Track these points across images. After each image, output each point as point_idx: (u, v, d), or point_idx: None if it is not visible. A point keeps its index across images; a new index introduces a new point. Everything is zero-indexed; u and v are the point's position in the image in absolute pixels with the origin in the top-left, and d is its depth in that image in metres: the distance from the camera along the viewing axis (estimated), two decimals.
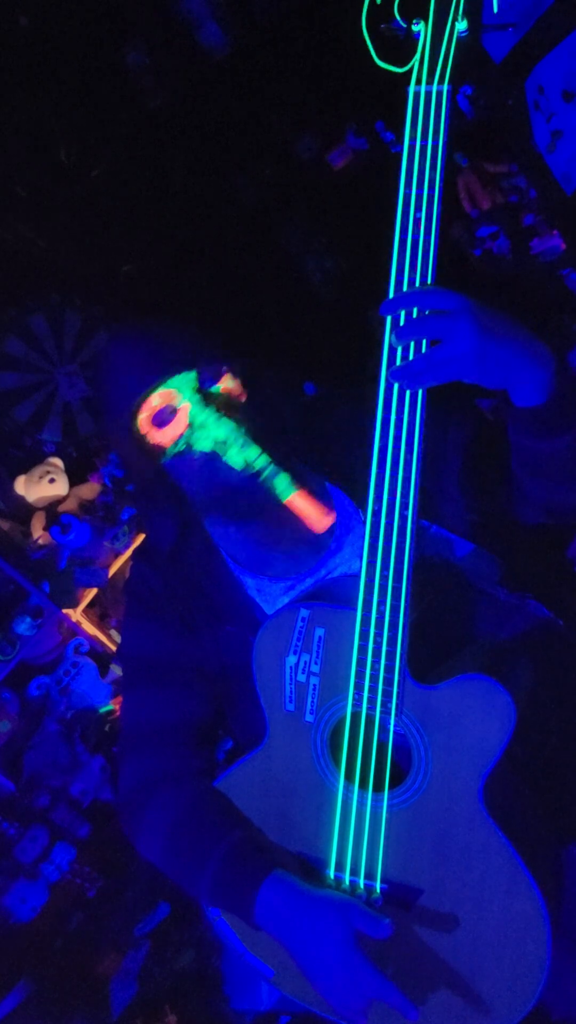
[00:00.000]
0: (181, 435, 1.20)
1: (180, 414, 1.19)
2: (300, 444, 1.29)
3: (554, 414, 1.05)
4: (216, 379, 1.20)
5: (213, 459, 1.20)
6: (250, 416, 1.21)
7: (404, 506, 1.07)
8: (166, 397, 1.19)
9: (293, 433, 1.28)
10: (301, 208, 3.42)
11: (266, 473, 1.21)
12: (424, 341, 1.01)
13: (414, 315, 1.01)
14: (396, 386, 1.05)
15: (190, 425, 1.19)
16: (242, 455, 1.19)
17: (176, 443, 1.20)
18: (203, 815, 1.29)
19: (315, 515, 1.26)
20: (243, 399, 1.22)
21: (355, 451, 1.26)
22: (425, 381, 1.01)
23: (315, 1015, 1.31)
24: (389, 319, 1.02)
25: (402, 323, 1.01)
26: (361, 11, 1.05)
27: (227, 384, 1.21)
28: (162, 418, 1.20)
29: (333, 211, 3.38)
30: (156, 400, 1.19)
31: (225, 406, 1.20)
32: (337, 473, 1.31)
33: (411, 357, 1.02)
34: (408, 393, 1.04)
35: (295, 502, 1.24)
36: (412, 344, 1.02)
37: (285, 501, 1.24)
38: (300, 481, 1.24)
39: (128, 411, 1.20)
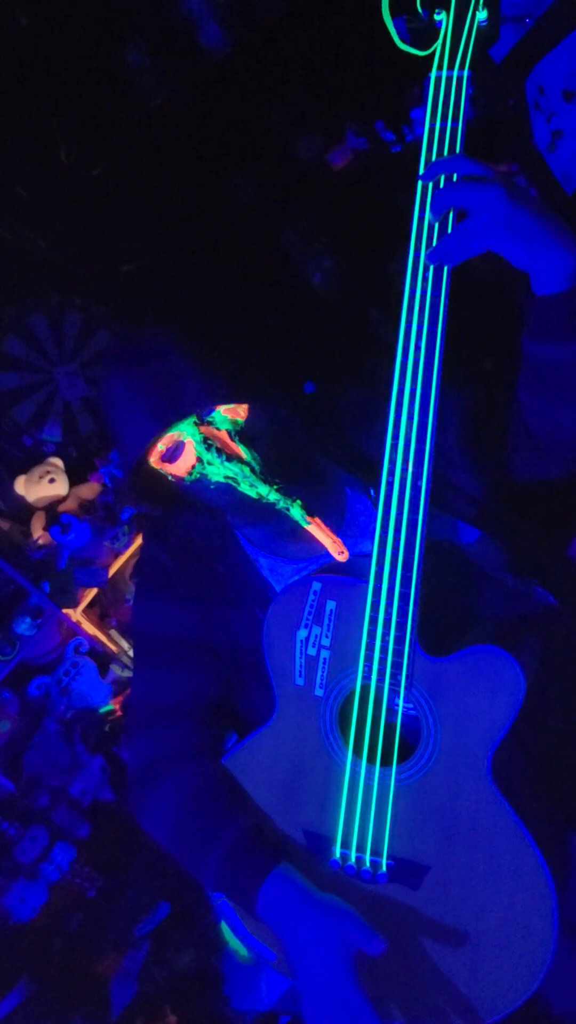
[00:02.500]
0: (194, 466, 1.23)
1: (188, 447, 1.22)
2: (309, 437, 1.31)
3: (571, 309, 1.06)
4: (213, 408, 1.22)
5: (229, 487, 1.23)
6: (254, 444, 1.23)
7: (418, 476, 1.10)
8: (170, 439, 1.22)
9: (302, 434, 1.29)
10: (301, 208, 3.42)
11: (279, 506, 1.23)
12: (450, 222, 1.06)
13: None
14: (411, 356, 1.07)
15: (200, 460, 1.22)
16: (253, 490, 1.22)
17: (191, 473, 1.23)
18: (213, 798, 1.30)
19: (332, 547, 1.29)
20: (244, 417, 1.24)
21: (366, 435, 1.28)
22: (458, 256, 1.04)
23: None
24: (413, 236, 1.07)
25: (441, 185, 1.05)
26: (381, 3, 1.10)
27: (225, 407, 1.23)
28: (171, 455, 1.23)
29: (333, 211, 3.37)
30: (161, 445, 1.23)
31: (226, 444, 1.22)
32: (350, 459, 1.33)
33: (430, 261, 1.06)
34: (423, 361, 1.07)
35: (311, 531, 1.27)
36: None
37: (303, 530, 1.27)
38: (314, 508, 1.26)
39: (137, 459, 1.23)
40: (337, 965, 1.13)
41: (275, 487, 1.22)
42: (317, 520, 1.26)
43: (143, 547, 1.45)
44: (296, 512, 1.24)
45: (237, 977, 2.34)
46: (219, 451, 1.21)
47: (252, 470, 1.21)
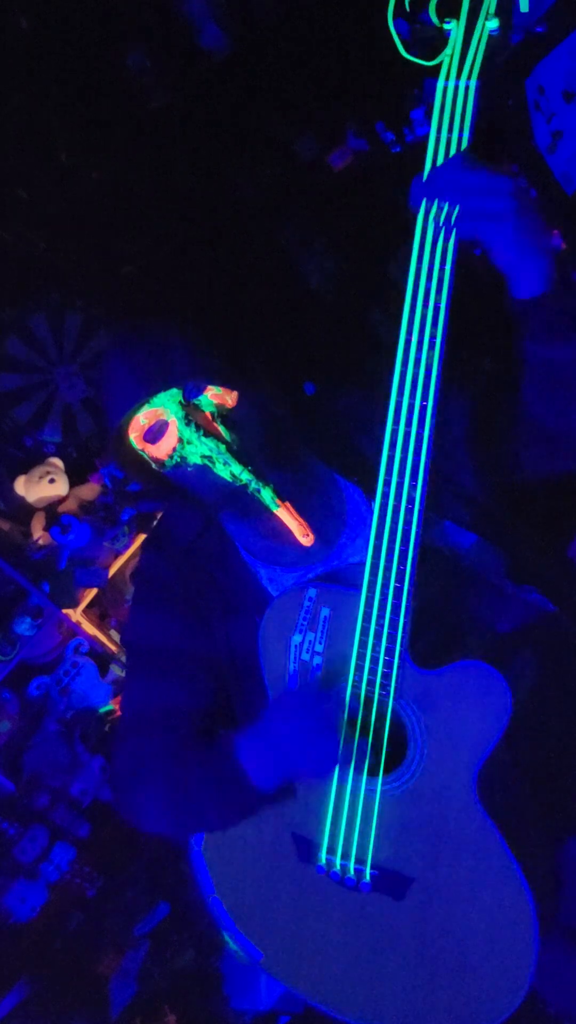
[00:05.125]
0: (175, 448, 1.23)
1: (171, 427, 1.23)
2: (305, 440, 1.31)
3: (554, 311, 1.08)
4: (201, 390, 1.23)
5: (206, 469, 1.23)
6: (236, 428, 1.23)
7: (413, 487, 1.10)
8: (153, 415, 1.22)
9: (294, 432, 1.29)
10: (301, 208, 3.42)
11: (251, 488, 1.23)
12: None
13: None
14: (411, 362, 1.08)
15: (180, 440, 1.22)
16: (227, 469, 1.22)
17: (171, 456, 1.24)
18: (191, 753, 1.30)
19: (298, 530, 1.29)
20: (231, 405, 1.24)
21: (365, 439, 1.28)
22: (462, 227, 1.04)
23: (314, 1012, 1.31)
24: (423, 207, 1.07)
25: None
26: (388, 8, 1.07)
27: (213, 392, 1.23)
28: (154, 434, 1.23)
29: (333, 211, 3.37)
30: (143, 419, 1.23)
31: (208, 423, 1.22)
32: (347, 464, 1.32)
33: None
34: (423, 370, 1.07)
35: (280, 515, 1.27)
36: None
37: (275, 517, 1.27)
38: (285, 494, 1.26)
39: (118, 431, 1.23)
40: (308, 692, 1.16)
41: (249, 468, 1.23)
42: (287, 505, 1.26)
43: (142, 557, 1.45)
44: (267, 495, 1.24)
45: (236, 977, 2.34)
46: (198, 427, 1.21)
47: (228, 448, 1.22)
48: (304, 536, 1.29)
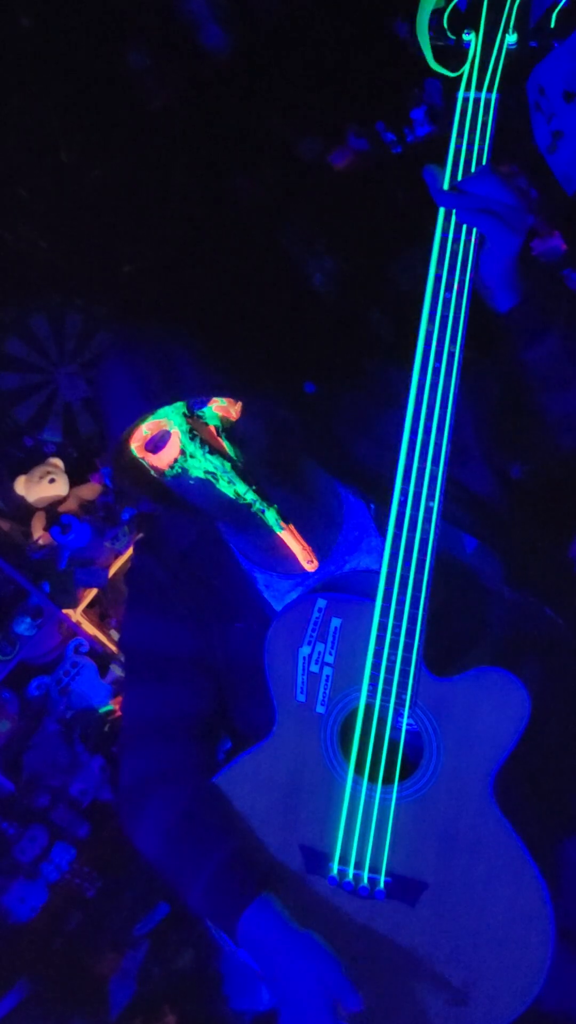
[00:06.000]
0: (176, 459, 1.22)
1: (173, 438, 1.21)
2: (305, 444, 1.30)
3: (529, 315, 1.12)
4: (205, 402, 1.21)
5: (208, 484, 1.21)
6: (240, 444, 1.22)
7: (431, 496, 1.10)
8: (156, 426, 1.21)
9: (295, 438, 1.29)
10: (302, 209, 3.42)
11: (255, 507, 1.22)
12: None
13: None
14: (429, 375, 1.08)
15: (183, 452, 1.21)
16: (231, 488, 1.21)
17: (172, 466, 1.22)
18: (202, 820, 1.29)
19: (301, 555, 1.28)
20: (235, 418, 1.22)
21: (364, 442, 1.27)
22: (481, 219, 1.06)
23: None
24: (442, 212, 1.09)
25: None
26: (417, 20, 1.08)
27: (218, 404, 1.21)
28: (156, 443, 1.22)
29: (334, 212, 3.38)
30: (146, 430, 1.21)
31: (212, 438, 1.21)
32: (346, 468, 1.32)
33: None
34: (441, 381, 1.08)
35: (283, 538, 1.26)
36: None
37: (276, 535, 1.26)
38: (289, 514, 1.25)
39: (119, 442, 1.22)
40: (318, 1007, 1.14)
41: (254, 487, 1.21)
42: (291, 527, 1.25)
43: (135, 559, 1.43)
44: (271, 516, 1.23)
45: (236, 977, 2.34)
46: (203, 443, 1.19)
47: (233, 466, 1.20)
48: (308, 562, 1.28)
